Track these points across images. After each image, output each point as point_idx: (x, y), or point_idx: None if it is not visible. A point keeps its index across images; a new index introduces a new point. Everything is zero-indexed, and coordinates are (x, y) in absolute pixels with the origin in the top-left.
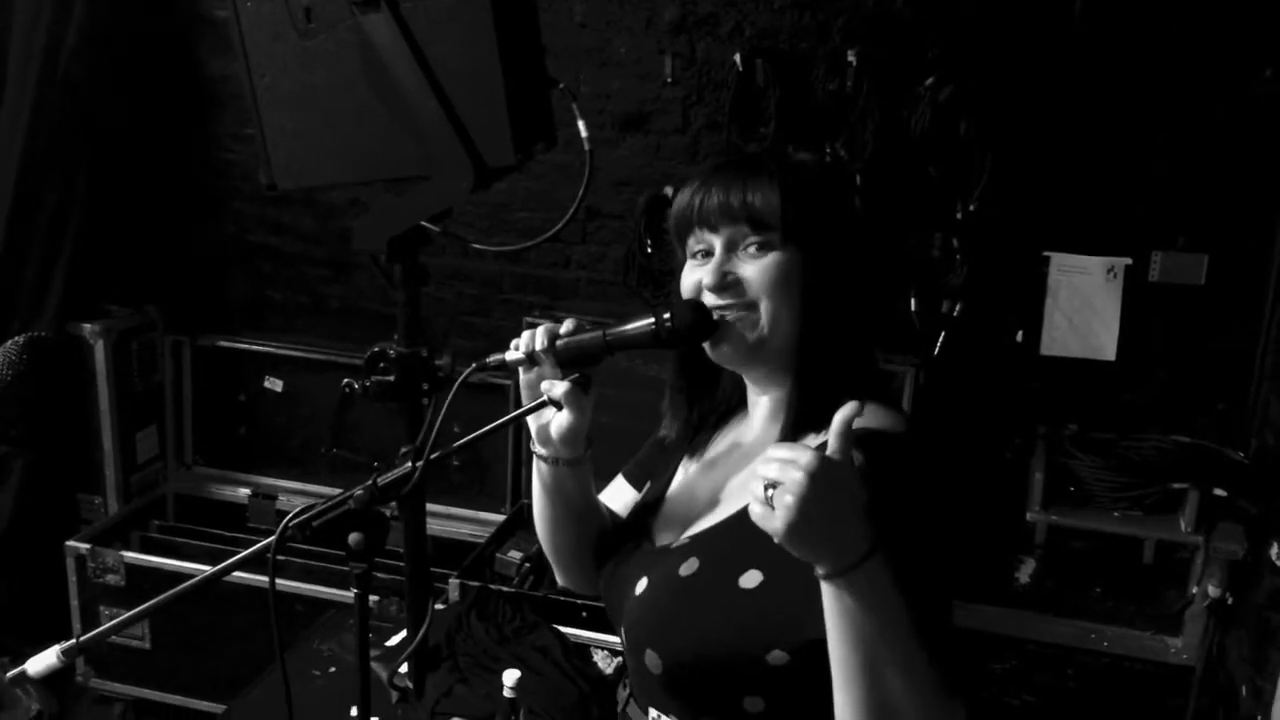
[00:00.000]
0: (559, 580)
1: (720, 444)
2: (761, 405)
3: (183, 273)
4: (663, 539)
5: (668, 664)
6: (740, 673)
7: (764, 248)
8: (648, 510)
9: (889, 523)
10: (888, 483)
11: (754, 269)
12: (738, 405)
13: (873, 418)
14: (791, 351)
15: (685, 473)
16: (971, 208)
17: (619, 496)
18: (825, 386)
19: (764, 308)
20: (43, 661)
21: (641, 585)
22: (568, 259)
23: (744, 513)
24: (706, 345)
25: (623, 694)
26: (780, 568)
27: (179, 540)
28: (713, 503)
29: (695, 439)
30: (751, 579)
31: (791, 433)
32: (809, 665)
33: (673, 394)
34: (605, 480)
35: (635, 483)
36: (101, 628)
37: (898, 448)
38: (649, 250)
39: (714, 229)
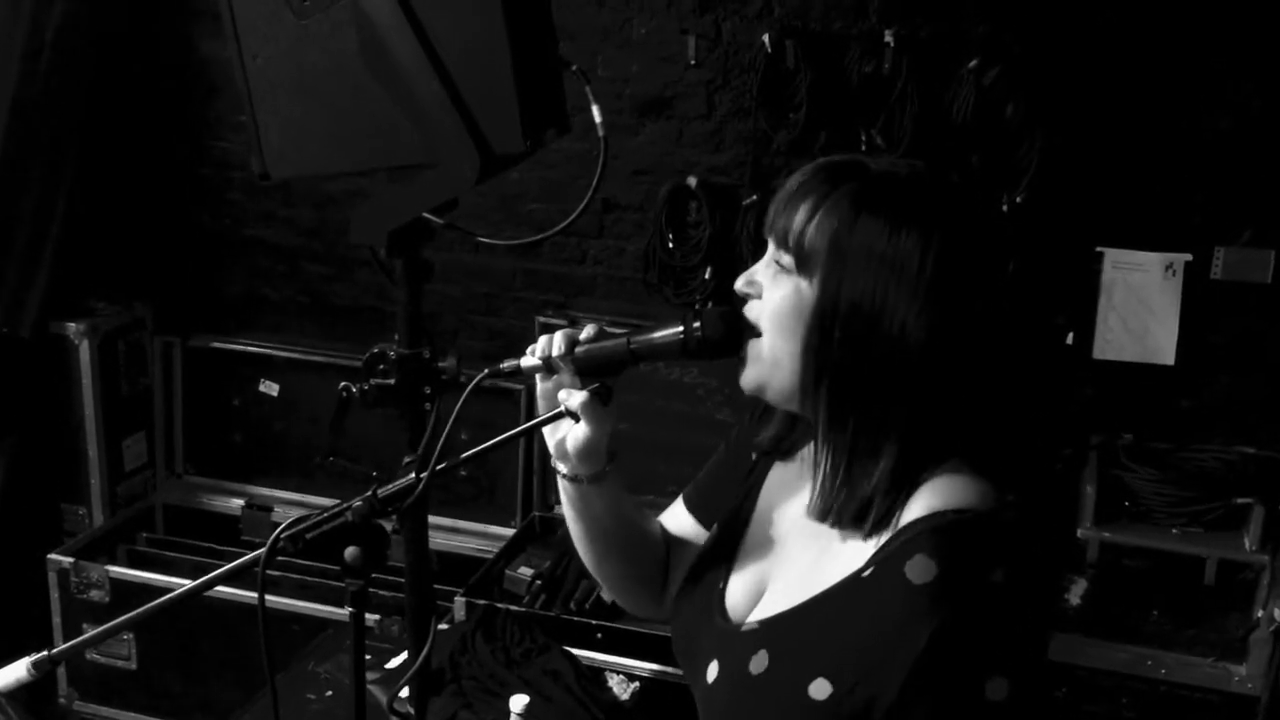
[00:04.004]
0: (619, 603)
1: (790, 475)
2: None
3: (173, 268)
4: (734, 605)
5: None
6: None
7: (784, 269)
8: (718, 562)
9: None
10: (966, 618)
11: (770, 289)
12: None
13: (946, 493)
14: (800, 395)
15: (760, 518)
16: (1019, 199)
17: (678, 521)
18: (857, 466)
19: (768, 334)
20: (11, 674)
21: (713, 672)
22: (583, 254)
23: (811, 603)
24: None
25: None
26: (847, 680)
27: (168, 554)
28: (783, 569)
29: (777, 453)
30: (821, 689)
31: (818, 516)
32: None
33: None
34: (635, 497)
35: (696, 511)
36: (75, 640)
37: (980, 550)
38: (670, 245)
39: (765, 233)
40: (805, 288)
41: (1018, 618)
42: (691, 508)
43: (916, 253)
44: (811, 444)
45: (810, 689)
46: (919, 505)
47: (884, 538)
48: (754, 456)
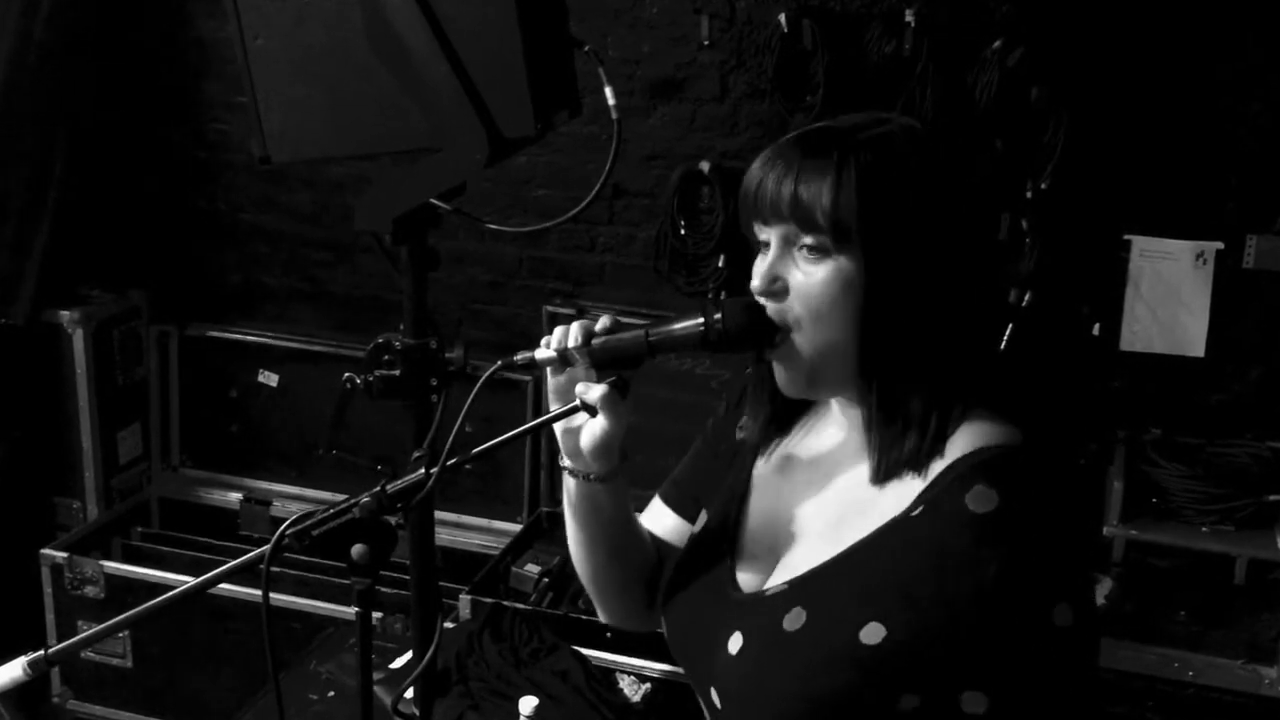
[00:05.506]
0: (602, 617)
1: (795, 448)
2: (837, 409)
3: (170, 255)
4: (747, 580)
5: None
6: None
7: (816, 252)
8: (718, 542)
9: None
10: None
11: (802, 279)
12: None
13: (982, 433)
14: (855, 375)
15: (760, 493)
16: (1043, 185)
17: (658, 521)
18: (910, 412)
19: (809, 329)
20: (6, 675)
21: (735, 643)
22: (592, 241)
23: (850, 551)
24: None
25: None
26: (901, 619)
27: (164, 549)
28: (802, 532)
29: (765, 442)
30: (874, 633)
31: (882, 477)
32: (942, 708)
33: (755, 387)
34: (639, 491)
35: (678, 507)
36: (73, 639)
37: (1027, 478)
38: (682, 232)
39: (766, 222)
40: (847, 263)
41: (1075, 544)
42: (673, 505)
43: (946, 189)
44: (814, 413)
45: (861, 634)
46: (958, 447)
47: (927, 480)
48: (738, 438)
